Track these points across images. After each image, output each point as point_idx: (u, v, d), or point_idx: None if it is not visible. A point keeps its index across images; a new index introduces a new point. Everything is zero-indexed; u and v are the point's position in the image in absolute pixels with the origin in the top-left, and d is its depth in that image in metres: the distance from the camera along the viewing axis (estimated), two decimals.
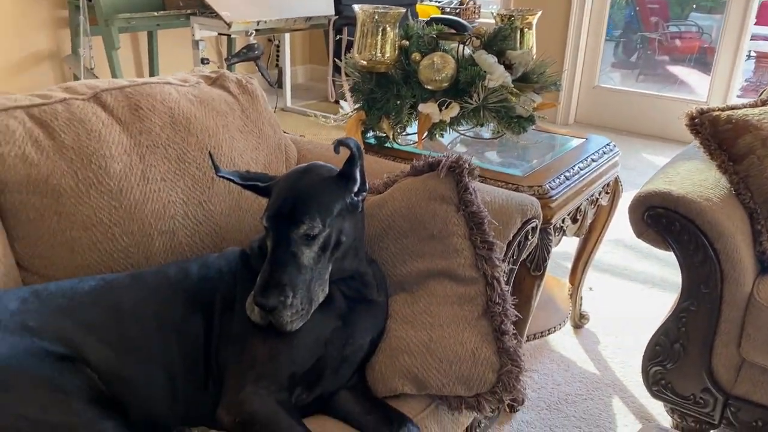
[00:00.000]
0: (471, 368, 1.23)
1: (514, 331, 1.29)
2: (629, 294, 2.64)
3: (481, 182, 1.64)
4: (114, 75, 3.97)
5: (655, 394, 1.73)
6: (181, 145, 1.44)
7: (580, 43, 4.84)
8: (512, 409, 1.91)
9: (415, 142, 1.91)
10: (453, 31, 2.03)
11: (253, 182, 1.24)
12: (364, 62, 1.87)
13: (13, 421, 0.93)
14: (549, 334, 2.09)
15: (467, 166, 1.38)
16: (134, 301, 1.17)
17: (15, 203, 1.24)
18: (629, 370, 2.12)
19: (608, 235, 2.25)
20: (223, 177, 1.24)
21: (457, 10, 4.96)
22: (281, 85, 5.09)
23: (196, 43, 4.09)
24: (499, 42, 1.89)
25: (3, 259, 1.22)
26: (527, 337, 1.96)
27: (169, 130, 1.43)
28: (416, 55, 1.85)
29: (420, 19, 2.18)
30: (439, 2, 5.13)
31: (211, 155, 1.27)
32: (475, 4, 5.08)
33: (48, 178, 1.26)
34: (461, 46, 1.88)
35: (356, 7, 1.86)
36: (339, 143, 1.17)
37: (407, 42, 1.88)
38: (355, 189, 1.21)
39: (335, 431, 1.14)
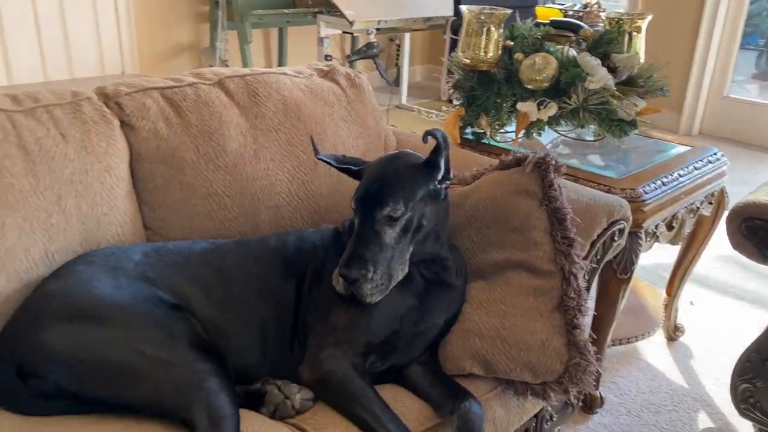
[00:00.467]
0: (539, 357, 1.28)
1: (585, 327, 1.32)
2: (734, 312, 2.52)
3: (574, 182, 1.67)
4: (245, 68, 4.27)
5: (743, 413, 1.67)
6: (291, 129, 1.59)
7: (710, 51, 4.60)
8: (590, 410, 1.91)
9: (513, 140, 1.96)
10: (568, 33, 2.05)
11: (347, 165, 1.35)
12: (468, 60, 1.94)
13: (132, 354, 1.09)
14: (637, 340, 2.06)
15: (553, 163, 1.42)
16: (238, 264, 1.32)
17: (146, 171, 1.43)
18: (722, 388, 2.04)
19: (717, 251, 2.17)
20: (321, 159, 1.36)
21: (580, 14, 4.87)
22: (398, 84, 5.23)
23: (320, 40, 4.32)
24: (604, 44, 1.90)
25: (133, 219, 1.41)
26: (613, 341, 1.95)
27: (281, 116, 1.59)
28: (519, 55, 1.90)
29: (538, 20, 2.21)
30: (562, 5, 5.06)
31: (312, 139, 1.40)
32: (599, 7, 4.97)
33: (174, 151, 1.44)
34: (565, 48, 1.90)
35: (463, 7, 1.93)
36: (427, 133, 1.26)
37: (511, 42, 1.93)
38: (439, 177, 1.28)
39: (402, 398, 1.23)
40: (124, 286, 1.19)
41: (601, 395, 1.92)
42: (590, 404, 1.90)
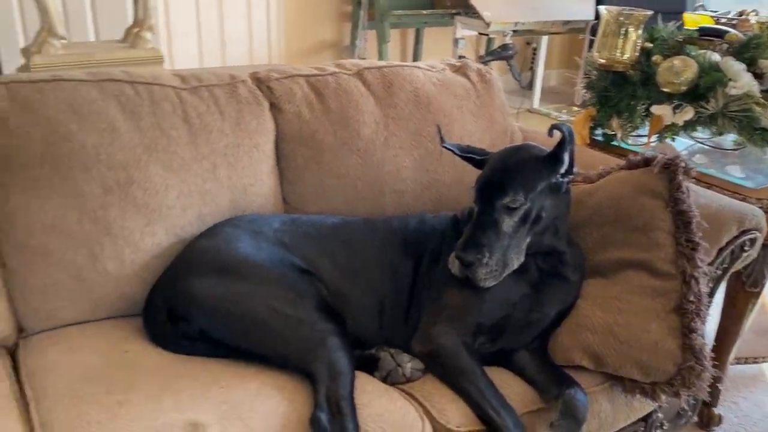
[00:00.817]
0: (651, 357, 1.27)
1: (703, 332, 1.29)
2: None
3: (706, 188, 1.62)
4: None
5: None
6: (420, 120, 1.67)
7: None
8: (706, 426, 1.83)
9: (644, 144, 1.93)
10: (712, 37, 1.98)
11: (470, 154, 1.41)
12: (603, 61, 1.93)
13: (266, 309, 1.23)
14: (764, 362, 1.95)
15: (683, 165, 1.40)
16: (363, 240, 1.43)
17: (288, 150, 1.57)
18: None
19: None
20: (446, 147, 1.43)
21: (734, 21, 4.59)
22: (531, 87, 5.19)
23: (456, 41, 4.39)
24: (752, 49, 1.82)
25: (274, 192, 1.56)
26: (738, 359, 1.86)
27: (412, 107, 1.67)
28: (657, 58, 1.86)
29: (686, 27, 2.15)
30: (715, 13, 4.78)
31: (438, 127, 1.47)
32: (756, 14, 4.65)
33: (314, 134, 1.57)
34: (708, 52, 1.84)
35: (602, 7, 1.93)
36: (553, 127, 1.29)
37: (650, 44, 1.90)
38: (562, 170, 1.31)
39: (508, 380, 1.27)
40: (263, 248, 1.33)
41: (719, 413, 1.84)
42: (707, 421, 1.83)
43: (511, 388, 1.25)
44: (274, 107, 1.56)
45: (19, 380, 1.20)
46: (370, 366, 1.26)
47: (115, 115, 1.34)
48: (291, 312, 1.23)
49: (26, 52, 2.37)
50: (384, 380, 1.25)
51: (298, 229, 1.42)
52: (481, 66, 1.84)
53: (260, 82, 1.58)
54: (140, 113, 1.37)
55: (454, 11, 4.51)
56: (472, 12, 4.22)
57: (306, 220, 1.46)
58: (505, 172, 1.30)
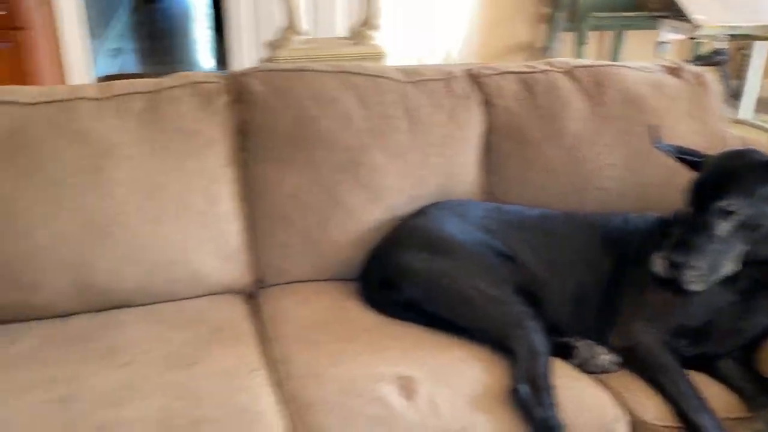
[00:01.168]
0: None
1: None
2: None
3: None
4: None
5: None
6: (629, 119, 1.67)
7: None
8: None
9: None
10: None
11: (687, 156, 1.40)
12: None
13: (467, 284, 1.33)
14: None
15: None
16: (564, 233, 1.48)
17: (495, 144, 1.65)
18: None
19: None
20: (660, 148, 1.43)
21: None
22: (738, 97, 4.80)
23: (659, 45, 4.19)
24: None
25: (479, 182, 1.65)
26: None
27: (620, 106, 1.68)
28: None
29: None
30: None
31: (652, 128, 1.47)
32: None
33: (522, 129, 1.64)
34: None
35: None
36: None
37: None
38: None
39: (709, 384, 1.25)
40: (467, 231, 1.44)
41: None
42: None
43: (713, 392, 1.23)
44: (485, 102, 1.65)
45: (255, 322, 1.41)
46: (564, 353, 1.30)
47: (349, 103, 1.52)
48: (492, 292, 1.32)
49: (272, 45, 2.74)
50: (578, 368, 1.28)
51: (501, 217, 1.50)
52: (697, 69, 1.79)
53: (473, 77, 1.68)
54: (369, 103, 1.54)
55: (658, 14, 4.31)
56: (681, 15, 4.00)
57: (509, 209, 1.54)
58: (723, 176, 1.28)
